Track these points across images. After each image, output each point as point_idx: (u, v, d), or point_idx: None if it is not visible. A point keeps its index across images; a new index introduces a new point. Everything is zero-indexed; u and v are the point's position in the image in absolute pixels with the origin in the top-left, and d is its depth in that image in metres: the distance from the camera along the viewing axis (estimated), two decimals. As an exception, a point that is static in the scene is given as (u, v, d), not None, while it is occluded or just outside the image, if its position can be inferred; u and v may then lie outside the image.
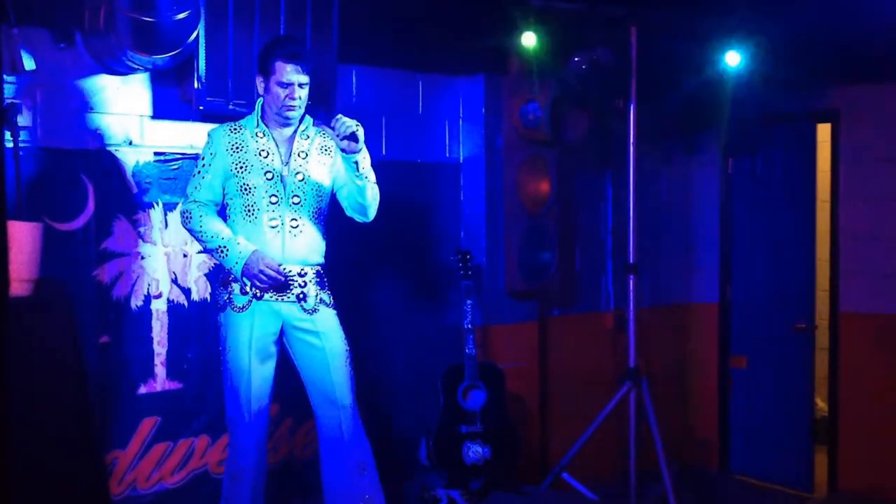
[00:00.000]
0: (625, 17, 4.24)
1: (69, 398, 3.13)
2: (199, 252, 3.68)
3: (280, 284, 3.24)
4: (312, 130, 3.38)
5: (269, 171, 3.27)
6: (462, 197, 4.63)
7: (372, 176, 3.31)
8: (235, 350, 3.26)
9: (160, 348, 3.59)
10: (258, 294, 3.25)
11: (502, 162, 4.57)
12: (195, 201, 3.29)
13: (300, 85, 3.23)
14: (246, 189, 3.26)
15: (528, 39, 4.26)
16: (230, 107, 3.54)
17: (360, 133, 3.17)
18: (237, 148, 3.28)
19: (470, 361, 4.15)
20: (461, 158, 4.63)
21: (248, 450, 3.29)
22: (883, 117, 4.92)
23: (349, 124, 3.15)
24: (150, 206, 3.56)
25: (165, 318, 3.60)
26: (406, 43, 4.24)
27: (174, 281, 3.62)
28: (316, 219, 3.33)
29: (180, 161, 3.63)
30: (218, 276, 3.60)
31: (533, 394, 4.86)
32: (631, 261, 4.46)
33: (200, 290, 3.69)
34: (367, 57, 4.15)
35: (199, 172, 3.31)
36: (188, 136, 3.66)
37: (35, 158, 3.26)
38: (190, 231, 3.33)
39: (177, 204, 3.61)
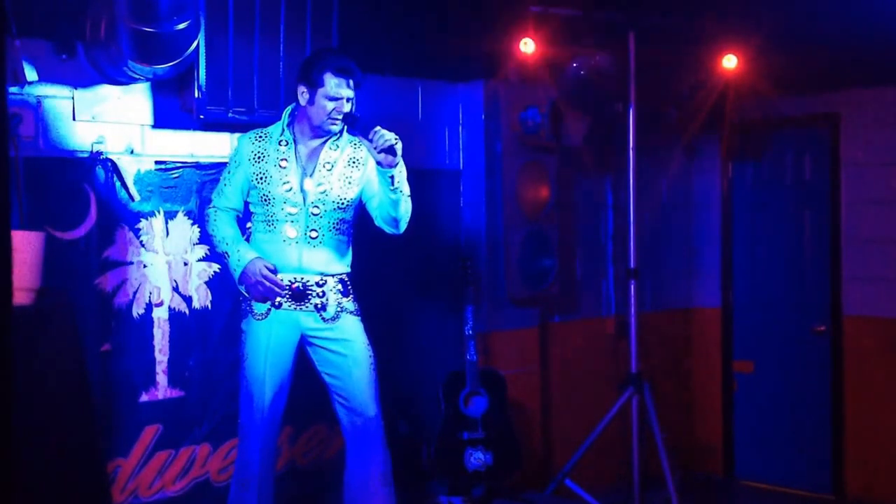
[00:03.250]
0: (622, 22, 4.25)
1: (71, 406, 3.14)
2: (200, 260, 3.69)
3: (273, 299, 3.23)
4: (344, 140, 3.34)
5: (288, 183, 3.25)
6: (462, 203, 4.64)
7: (406, 189, 3.25)
8: (253, 358, 3.27)
9: (161, 356, 3.60)
10: (276, 303, 3.25)
11: (502, 168, 4.57)
12: (215, 206, 3.35)
13: (347, 99, 3.22)
14: (266, 200, 3.26)
15: (527, 45, 4.28)
16: (230, 115, 3.56)
17: (399, 147, 3.13)
18: (259, 158, 3.28)
19: (471, 368, 4.15)
20: (461, 165, 4.64)
21: (258, 457, 3.28)
22: (884, 120, 4.92)
23: (387, 137, 3.10)
24: (152, 214, 3.57)
25: (167, 326, 3.61)
26: (405, 50, 4.25)
27: (175, 289, 3.63)
28: (337, 230, 3.31)
29: (181, 170, 3.64)
30: (223, 283, 3.61)
31: (535, 400, 4.85)
32: (632, 266, 4.46)
33: (201, 298, 3.70)
34: (367, 64, 4.15)
35: (223, 178, 3.37)
36: (189, 144, 3.68)
37: (37, 168, 3.28)
38: (208, 235, 3.40)
39: (177, 212, 3.63)
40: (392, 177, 3.15)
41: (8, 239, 1.22)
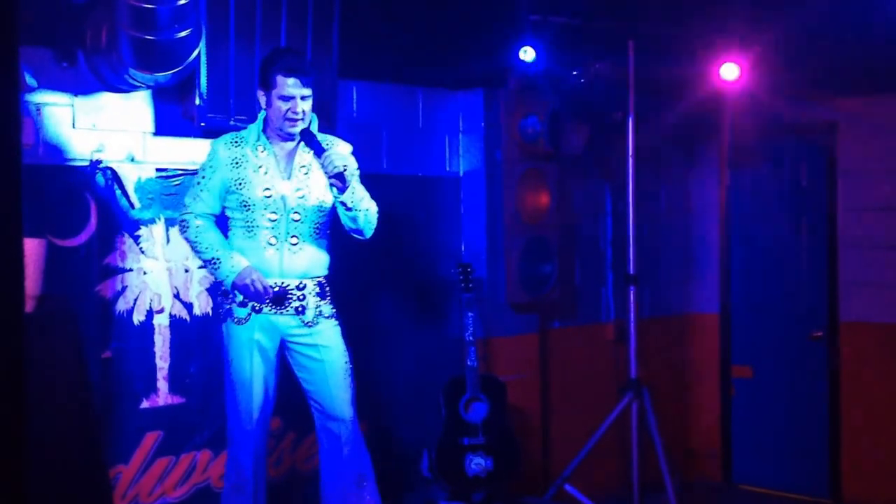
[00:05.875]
0: (622, 31, 4.27)
1: (73, 413, 3.15)
2: (201, 267, 3.69)
3: (264, 301, 3.23)
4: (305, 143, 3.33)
5: (268, 189, 3.24)
6: (462, 210, 4.65)
7: (364, 203, 3.24)
8: (237, 362, 3.26)
9: (162, 363, 3.60)
10: (257, 307, 3.25)
11: (502, 175, 4.59)
12: (192, 212, 3.28)
13: (302, 98, 3.20)
14: (245, 206, 3.24)
15: (527, 53, 4.30)
16: (231, 122, 3.56)
17: (349, 173, 3.13)
18: (237, 163, 3.25)
19: (471, 373, 4.17)
20: (461, 172, 4.65)
21: (251, 461, 3.28)
22: (880, 128, 4.95)
23: (336, 164, 3.11)
24: (152, 221, 3.58)
25: (167, 333, 3.61)
26: (406, 58, 4.27)
27: (176, 296, 3.63)
28: (317, 234, 3.32)
29: (182, 177, 3.65)
30: (218, 287, 3.62)
31: (534, 405, 4.86)
32: (631, 272, 4.48)
33: (202, 304, 3.70)
34: (368, 72, 4.18)
35: (198, 184, 3.29)
36: (190, 152, 3.68)
37: (37, 175, 3.28)
38: (186, 240, 3.33)
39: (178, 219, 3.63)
40: (343, 202, 3.18)
41: (20, 247, 1.23)
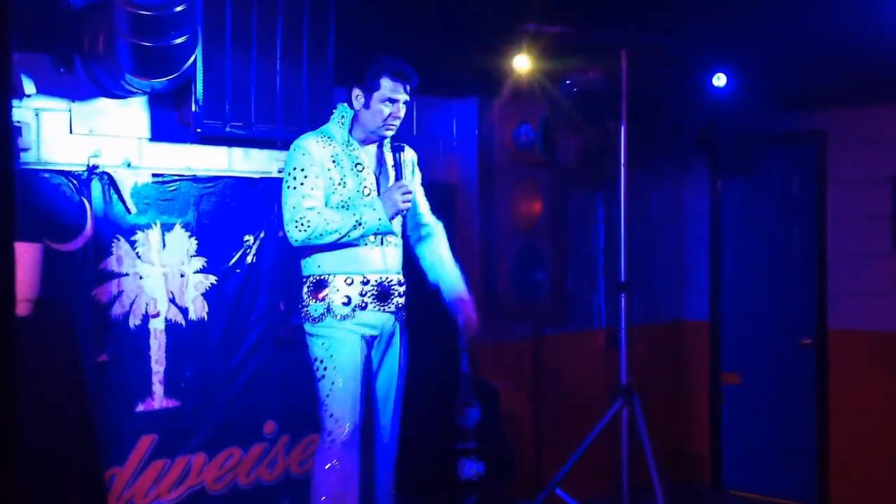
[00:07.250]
0: (615, 40, 4.30)
1: (69, 416, 3.17)
2: (197, 272, 3.72)
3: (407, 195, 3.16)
4: (387, 146, 3.34)
5: (366, 187, 3.24)
6: (456, 217, 4.68)
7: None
8: (342, 363, 3.15)
9: (158, 367, 3.62)
10: (362, 303, 3.20)
11: (495, 183, 4.63)
12: (308, 208, 3.11)
13: (404, 103, 3.24)
14: (346, 206, 3.19)
15: (521, 63, 4.34)
16: (227, 129, 3.59)
17: (413, 195, 3.22)
18: (335, 161, 3.20)
19: (465, 379, 4.20)
20: (455, 179, 4.69)
21: (356, 469, 3.18)
22: (868, 138, 5.00)
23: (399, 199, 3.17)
24: (149, 226, 3.61)
25: (163, 337, 3.64)
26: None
27: (172, 300, 3.66)
28: (402, 231, 3.38)
29: (178, 182, 3.68)
30: (220, 295, 3.62)
31: (527, 411, 4.89)
32: (622, 279, 4.51)
33: (198, 309, 3.73)
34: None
35: (301, 184, 3.12)
36: (186, 158, 3.71)
37: (34, 180, 3.31)
38: (314, 235, 3.09)
39: (174, 224, 3.66)
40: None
41: (11, 251, 1.25)
